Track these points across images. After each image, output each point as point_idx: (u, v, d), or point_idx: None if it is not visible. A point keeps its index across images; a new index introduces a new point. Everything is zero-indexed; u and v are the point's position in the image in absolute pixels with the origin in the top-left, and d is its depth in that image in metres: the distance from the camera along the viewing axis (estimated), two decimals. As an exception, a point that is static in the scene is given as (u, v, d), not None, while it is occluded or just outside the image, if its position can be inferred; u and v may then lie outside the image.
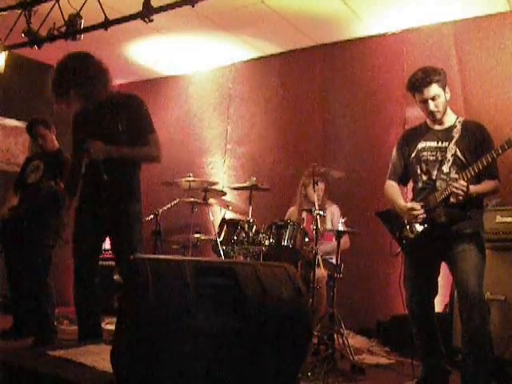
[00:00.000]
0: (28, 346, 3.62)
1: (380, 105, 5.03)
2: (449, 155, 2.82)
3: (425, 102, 2.84)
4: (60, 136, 4.16)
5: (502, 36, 4.46)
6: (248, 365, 1.77)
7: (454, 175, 2.78)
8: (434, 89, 2.80)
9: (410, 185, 3.10)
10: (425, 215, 2.83)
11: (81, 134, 3.03)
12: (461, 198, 2.68)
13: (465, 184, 2.66)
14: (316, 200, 3.73)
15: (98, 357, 2.07)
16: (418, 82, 2.81)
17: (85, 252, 2.98)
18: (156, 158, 3.03)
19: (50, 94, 2.95)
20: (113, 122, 2.93)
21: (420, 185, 2.93)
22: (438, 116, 2.87)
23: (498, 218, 3.52)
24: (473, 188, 2.70)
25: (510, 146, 2.57)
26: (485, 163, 2.64)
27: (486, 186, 2.78)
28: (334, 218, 4.32)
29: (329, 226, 4.29)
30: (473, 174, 2.68)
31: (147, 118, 3.01)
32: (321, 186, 4.23)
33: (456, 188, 2.67)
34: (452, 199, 2.73)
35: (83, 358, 2.03)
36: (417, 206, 2.86)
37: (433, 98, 2.82)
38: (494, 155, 2.63)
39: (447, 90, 2.88)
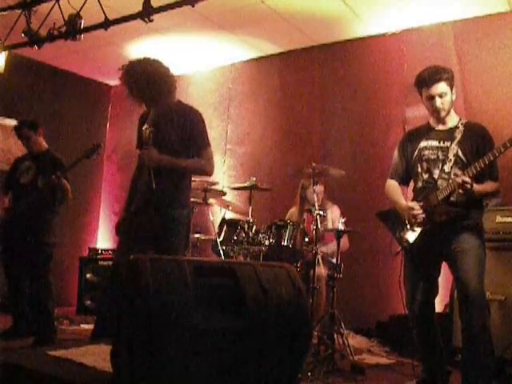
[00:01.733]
0: (28, 346, 3.62)
1: (380, 105, 5.03)
2: (451, 155, 2.82)
3: (432, 98, 2.85)
4: (59, 136, 4.17)
5: (502, 36, 4.46)
6: (248, 365, 1.77)
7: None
8: (443, 86, 2.83)
9: (411, 185, 3.10)
10: (424, 215, 2.83)
11: (140, 136, 3.12)
12: (466, 190, 2.66)
13: (469, 180, 2.65)
14: (316, 200, 3.73)
15: (98, 357, 2.07)
16: (428, 78, 2.83)
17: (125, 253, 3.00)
18: (208, 173, 3.11)
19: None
20: (170, 131, 3.00)
21: (420, 184, 2.94)
22: (443, 114, 2.88)
23: (498, 218, 3.52)
24: (476, 186, 2.70)
25: None
26: (487, 161, 2.64)
27: (488, 186, 2.79)
28: (334, 218, 4.32)
29: (329, 226, 4.29)
30: (476, 171, 2.67)
31: (203, 133, 3.07)
32: (320, 187, 4.22)
33: (462, 181, 2.65)
34: (457, 193, 2.73)
35: (83, 358, 2.03)
36: (416, 205, 2.86)
37: (440, 95, 2.83)
38: (497, 154, 2.63)
39: (454, 91, 2.90)
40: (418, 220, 2.86)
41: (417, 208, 2.85)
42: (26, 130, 4.05)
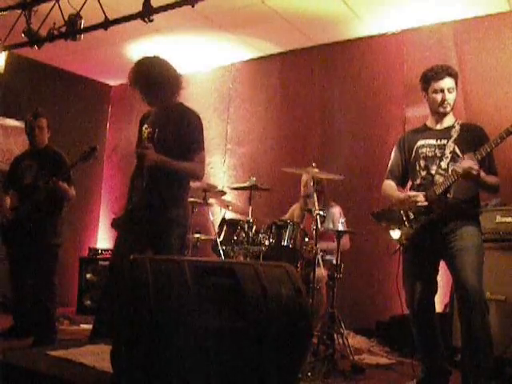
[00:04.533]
0: (28, 346, 3.61)
1: (380, 105, 5.04)
2: (447, 152, 2.86)
3: (440, 91, 2.89)
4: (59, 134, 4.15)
5: (502, 36, 4.46)
6: (248, 365, 1.77)
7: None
8: (452, 82, 2.90)
9: (410, 185, 3.11)
10: (426, 203, 2.83)
11: (140, 136, 3.14)
12: (472, 177, 2.65)
13: (475, 165, 2.64)
14: (316, 200, 3.73)
15: (98, 357, 2.07)
16: (440, 72, 2.89)
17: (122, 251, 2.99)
18: (199, 177, 3.12)
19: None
20: (167, 131, 3.01)
21: (419, 181, 2.96)
22: (448, 109, 2.92)
23: (498, 218, 3.52)
24: (482, 173, 2.69)
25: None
26: (493, 146, 2.64)
27: (491, 178, 2.80)
28: (335, 218, 4.32)
29: (329, 226, 4.29)
30: (481, 157, 2.66)
31: (200, 136, 3.06)
32: (336, 208, 4.30)
33: (469, 167, 2.64)
34: (454, 188, 2.76)
35: (83, 358, 2.03)
36: (419, 193, 2.87)
37: (449, 90, 2.89)
38: (499, 141, 2.63)
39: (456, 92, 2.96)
40: (419, 204, 2.84)
41: (420, 195, 2.85)
42: (45, 121, 4.01)
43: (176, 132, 3.00)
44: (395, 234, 2.93)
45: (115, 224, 3.17)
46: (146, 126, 3.12)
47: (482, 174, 2.70)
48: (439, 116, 2.96)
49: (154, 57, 3.09)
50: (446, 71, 2.89)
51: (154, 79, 2.97)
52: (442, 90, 2.88)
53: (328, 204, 4.33)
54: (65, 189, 3.80)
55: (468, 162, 2.66)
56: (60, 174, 3.76)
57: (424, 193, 2.86)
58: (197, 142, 3.04)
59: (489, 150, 2.67)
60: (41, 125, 4.00)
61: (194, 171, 3.06)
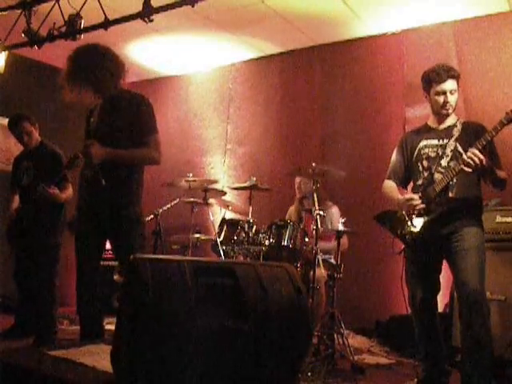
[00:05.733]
0: (28, 346, 3.61)
1: (380, 105, 5.04)
2: (448, 151, 2.86)
3: (443, 93, 2.88)
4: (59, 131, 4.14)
5: (502, 36, 4.46)
6: (248, 365, 1.77)
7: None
8: (454, 84, 2.89)
9: (410, 186, 3.11)
10: (423, 206, 2.84)
11: (86, 130, 3.03)
12: (475, 165, 2.61)
13: (478, 152, 2.60)
14: (316, 200, 3.73)
15: (98, 357, 2.07)
16: (442, 73, 2.87)
17: (87, 251, 2.97)
18: (155, 161, 2.95)
19: (61, 82, 2.90)
20: (114, 119, 2.90)
21: (420, 181, 2.96)
22: (450, 110, 2.92)
23: (498, 218, 3.52)
24: (489, 161, 2.65)
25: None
26: (494, 134, 2.62)
27: (499, 171, 2.77)
28: (334, 218, 4.32)
29: (329, 226, 4.29)
30: (481, 146, 2.62)
31: (150, 119, 2.94)
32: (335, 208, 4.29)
33: (472, 153, 2.60)
34: (456, 187, 2.76)
35: (83, 358, 2.03)
36: (415, 196, 2.88)
37: (451, 92, 2.88)
38: (499, 128, 2.60)
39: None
40: (416, 211, 2.85)
41: (416, 198, 2.86)
42: (28, 124, 3.97)
43: (125, 118, 2.88)
44: (412, 231, 2.89)
45: (73, 227, 3.10)
46: (92, 119, 3.01)
47: (489, 161, 2.65)
48: (441, 117, 2.96)
49: (87, 45, 2.94)
50: (448, 73, 2.86)
51: (98, 67, 2.83)
52: (445, 93, 2.87)
53: (325, 204, 4.33)
54: (54, 194, 3.74)
55: (471, 150, 2.63)
56: (51, 179, 3.71)
57: (420, 195, 2.87)
58: (148, 124, 2.92)
59: (489, 138, 2.63)
60: (25, 130, 3.97)
61: (147, 156, 2.92)
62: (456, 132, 2.89)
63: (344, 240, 4.17)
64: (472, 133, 2.85)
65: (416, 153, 2.99)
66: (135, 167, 2.98)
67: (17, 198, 4.05)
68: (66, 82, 2.88)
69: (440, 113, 2.94)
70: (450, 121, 2.96)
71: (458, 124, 2.93)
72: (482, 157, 2.60)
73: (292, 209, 4.57)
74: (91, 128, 2.99)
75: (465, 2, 4.40)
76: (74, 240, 3.02)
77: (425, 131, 3.02)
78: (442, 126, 2.96)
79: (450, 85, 2.86)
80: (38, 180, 3.78)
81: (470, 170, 2.65)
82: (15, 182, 4.08)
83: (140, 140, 2.89)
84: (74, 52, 2.91)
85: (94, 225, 2.93)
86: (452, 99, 2.89)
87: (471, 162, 2.61)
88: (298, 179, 4.45)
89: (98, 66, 2.84)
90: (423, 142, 2.97)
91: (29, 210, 3.82)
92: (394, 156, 3.14)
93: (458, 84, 2.91)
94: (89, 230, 2.94)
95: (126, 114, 2.89)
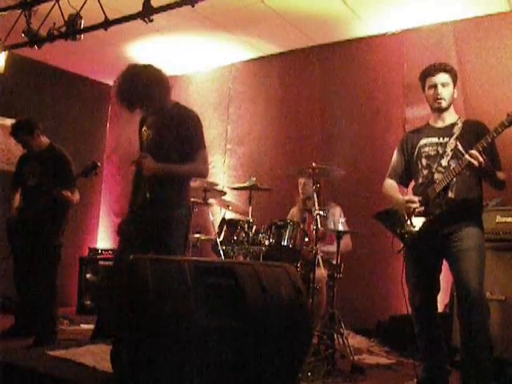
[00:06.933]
0: (28, 346, 3.61)
1: (380, 105, 5.03)
2: (448, 150, 2.86)
3: (434, 86, 2.90)
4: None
5: (502, 36, 4.46)
6: (248, 365, 1.77)
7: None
8: (445, 76, 2.91)
9: (411, 185, 3.11)
10: (422, 208, 2.84)
11: (141, 138, 3.15)
12: (476, 166, 2.61)
13: (477, 153, 2.60)
14: (316, 200, 3.72)
15: (98, 357, 2.07)
16: (433, 68, 2.92)
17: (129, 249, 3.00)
18: (203, 175, 3.15)
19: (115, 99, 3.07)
20: (166, 134, 3.00)
21: (420, 180, 2.96)
22: (443, 104, 2.91)
23: (498, 218, 3.51)
24: (488, 163, 2.64)
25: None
26: (495, 135, 2.61)
27: (498, 172, 2.77)
28: (335, 218, 4.32)
29: (331, 227, 4.28)
30: (482, 148, 2.62)
31: (199, 135, 3.06)
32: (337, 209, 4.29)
33: (470, 154, 2.60)
34: (455, 187, 2.77)
35: (83, 358, 2.03)
36: (414, 198, 2.88)
37: (442, 85, 2.89)
38: (500, 130, 2.59)
39: (455, 90, 2.96)
40: (416, 213, 2.86)
41: (415, 200, 2.86)
42: (22, 136, 3.99)
43: (175, 133, 3.00)
44: (412, 230, 2.90)
45: (119, 229, 3.16)
46: (145, 128, 3.12)
47: (488, 163, 2.65)
48: (438, 113, 2.96)
49: (136, 67, 3.03)
50: (440, 67, 2.91)
51: (151, 89, 2.93)
52: (435, 85, 2.89)
53: (327, 204, 4.33)
54: (68, 197, 3.81)
55: (472, 151, 2.62)
56: (64, 183, 3.77)
57: (420, 198, 2.86)
58: (197, 140, 3.04)
59: (490, 139, 2.63)
60: (21, 140, 4.01)
61: (196, 171, 3.09)
62: (457, 130, 2.89)
63: (347, 240, 4.17)
64: (473, 131, 2.85)
65: (416, 151, 2.99)
66: (184, 180, 3.09)
67: (18, 197, 4.05)
68: (120, 101, 2.99)
69: (433, 107, 2.95)
70: (450, 119, 2.96)
71: (458, 122, 2.93)
72: (481, 159, 2.60)
73: (294, 210, 4.56)
74: (143, 140, 3.11)
75: (465, 2, 4.40)
76: (116, 249, 3.17)
77: (425, 130, 3.03)
78: (443, 125, 2.96)
79: (441, 77, 2.89)
80: (45, 182, 3.80)
81: (469, 171, 2.65)
82: (18, 181, 4.08)
83: (189, 155, 3.00)
84: (128, 71, 2.99)
85: (137, 235, 3.02)
86: (444, 92, 2.89)
87: (472, 163, 2.61)
88: (301, 180, 4.44)
89: (149, 88, 2.93)
90: (423, 141, 2.97)
91: (34, 211, 3.82)
92: (394, 155, 3.14)
93: (453, 80, 2.91)
94: (132, 240, 3.02)
95: (177, 130, 3.00)
